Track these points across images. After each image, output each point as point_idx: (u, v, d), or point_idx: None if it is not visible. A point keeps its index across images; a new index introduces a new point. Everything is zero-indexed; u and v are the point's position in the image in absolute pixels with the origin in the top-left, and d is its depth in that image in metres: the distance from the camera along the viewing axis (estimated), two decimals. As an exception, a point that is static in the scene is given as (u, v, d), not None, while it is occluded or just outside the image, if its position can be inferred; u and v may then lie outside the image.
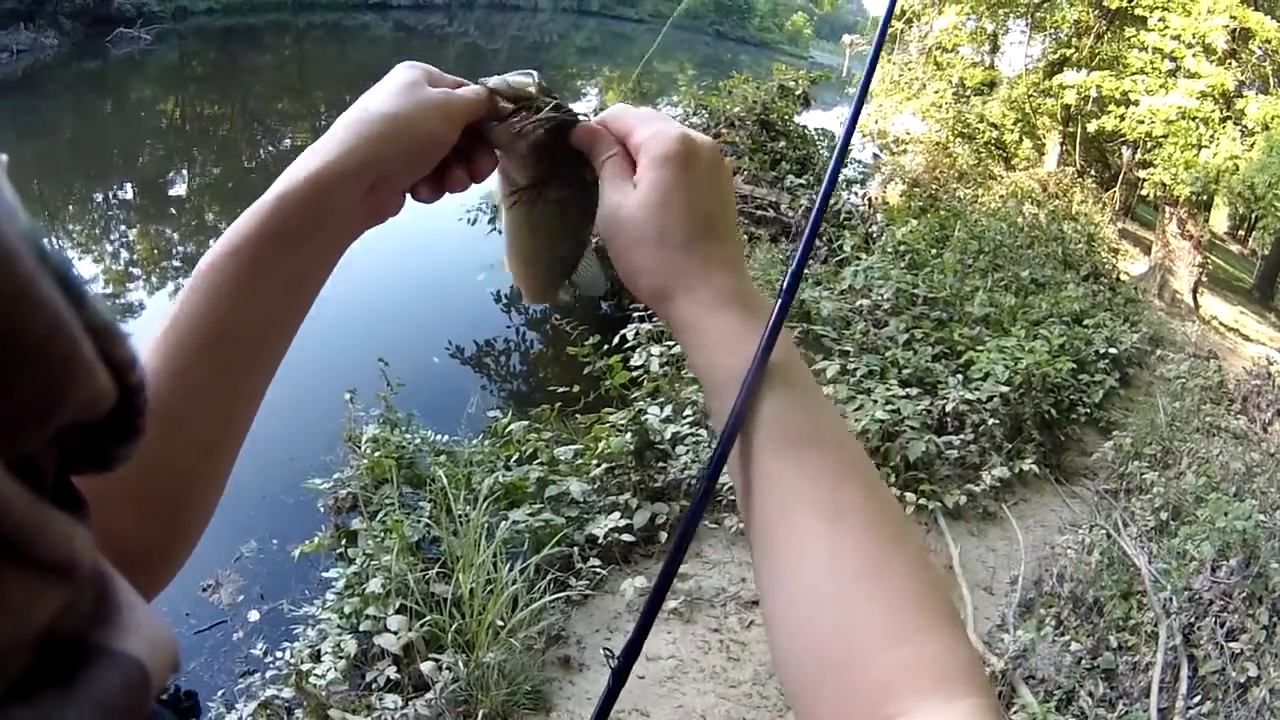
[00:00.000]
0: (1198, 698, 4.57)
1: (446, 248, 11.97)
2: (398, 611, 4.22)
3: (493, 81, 0.74)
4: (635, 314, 7.09)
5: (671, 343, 6.87)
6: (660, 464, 5.71)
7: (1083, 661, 4.76)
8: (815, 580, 0.58)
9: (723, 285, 0.67)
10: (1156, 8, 13.98)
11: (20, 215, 0.27)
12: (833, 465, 0.62)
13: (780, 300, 0.68)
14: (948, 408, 6.73)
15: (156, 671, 0.31)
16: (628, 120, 0.73)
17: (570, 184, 0.76)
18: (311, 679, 3.81)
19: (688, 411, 6.10)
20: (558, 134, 0.73)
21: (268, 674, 4.28)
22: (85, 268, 11.32)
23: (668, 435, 5.78)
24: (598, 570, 4.96)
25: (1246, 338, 14.31)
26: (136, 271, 11.62)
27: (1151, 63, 14.22)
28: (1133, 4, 14.29)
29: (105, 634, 0.30)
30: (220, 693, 4.26)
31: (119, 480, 0.42)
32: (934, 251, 9.87)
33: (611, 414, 6.00)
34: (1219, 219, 20.39)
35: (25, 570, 0.25)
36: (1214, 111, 13.57)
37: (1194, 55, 13.79)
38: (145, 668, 0.30)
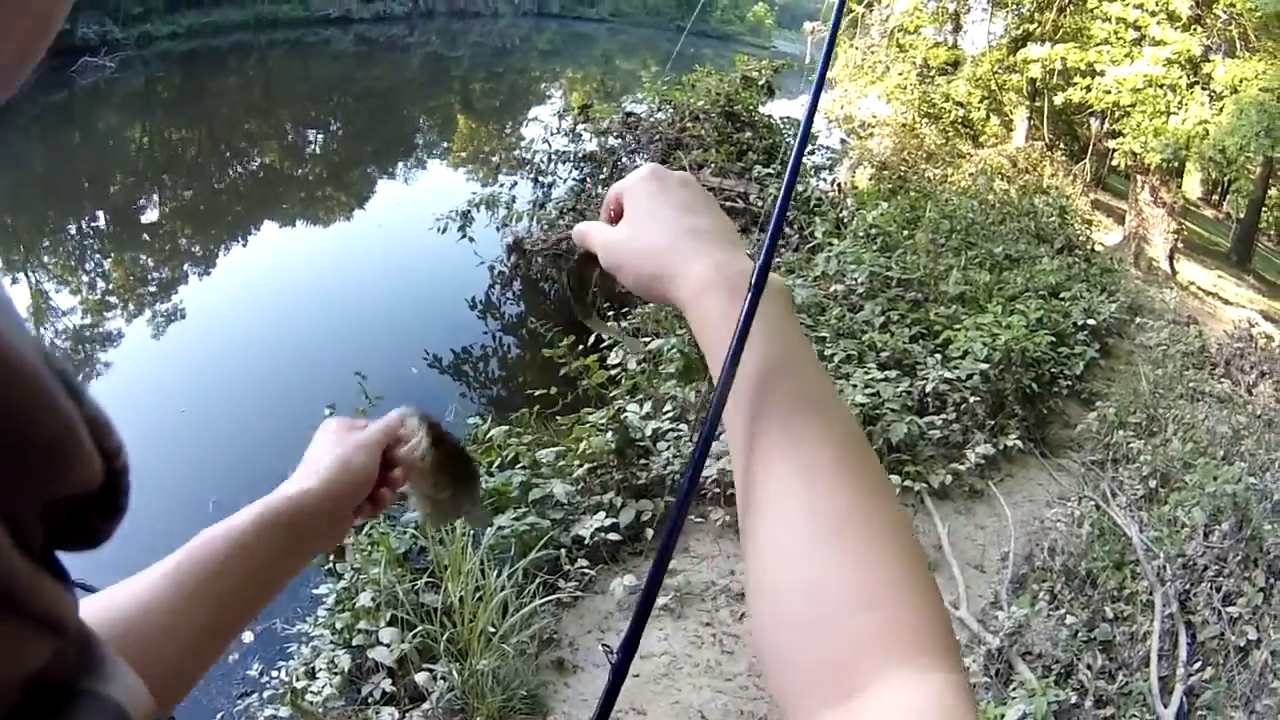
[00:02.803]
0: (1198, 664, 4.55)
1: (418, 258, 11.96)
2: (389, 624, 4.19)
3: (393, 415, 0.99)
4: (610, 314, 7.04)
5: (647, 339, 6.84)
6: (642, 461, 5.67)
7: (1079, 634, 4.73)
8: (790, 540, 0.58)
9: (711, 265, 0.70)
10: None
11: (29, 329, 0.30)
12: (818, 429, 0.62)
13: (750, 294, 0.67)
14: (928, 388, 6.72)
15: (137, 717, 0.34)
16: (619, 187, 0.80)
17: (456, 480, 1.00)
18: (307, 696, 3.76)
19: (667, 407, 6.06)
20: (442, 444, 0.97)
21: (265, 694, 4.23)
22: (63, 299, 11.33)
23: (648, 432, 5.75)
24: (586, 571, 4.93)
25: (1226, 301, 14.38)
26: (113, 300, 11.59)
27: (1115, 32, 14.26)
28: None
29: (90, 680, 0.33)
30: (219, 716, 4.22)
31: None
32: (906, 233, 9.87)
33: (591, 414, 5.96)
34: (1192, 185, 20.50)
35: (22, 622, 0.28)
36: (1181, 78, 13.63)
37: (1158, 23, 13.84)
38: (126, 711, 0.33)
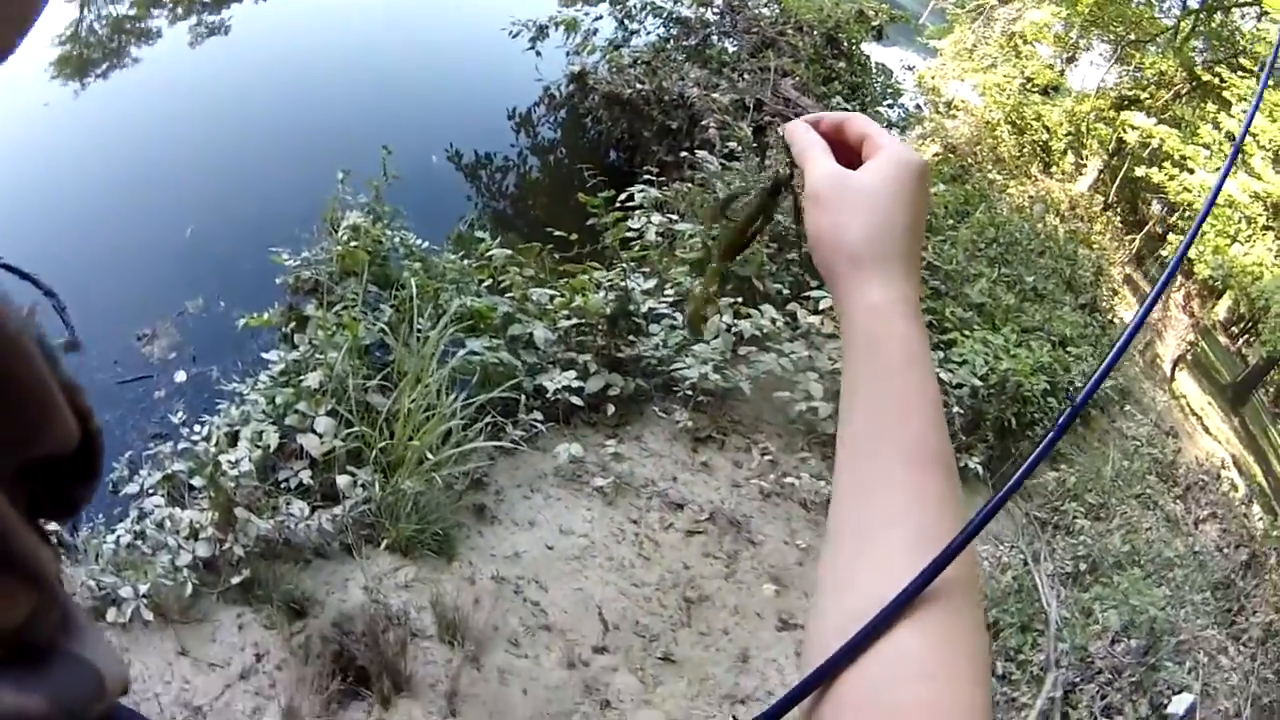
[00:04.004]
0: (1059, 758, 4.58)
1: (478, 52, 11.52)
2: (328, 414, 3.99)
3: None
4: (645, 175, 6.79)
5: (673, 216, 6.60)
6: (630, 336, 5.50)
7: (965, 679, 4.71)
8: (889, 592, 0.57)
9: (913, 288, 0.69)
10: (1243, 99, 14.09)
11: (7, 294, 0.31)
12: (940, 486, 0.63)
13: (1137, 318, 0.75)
14: (919, 380, 6.59)
15: (112, 683, 0.35)
16: (870, 126, 0.76)
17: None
18: (224, 467, 3.56)
19: (669, 290, 5.85)
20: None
21: (180, 446, 4.01)
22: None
23: (645, 308, 5.56)
24: (537, 424, 4.78)
25: (1206, 429, 14.47)
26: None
27: (1219, 143, 14.28)
28: (1222, 86, 14.37)
29: (69, 643, 0.34)
30: (128, 454, 4.04)
31: None
32: (951, 223, 9.68)
33: (596, 269, 5.75)
34: (1220, 307, 20.45)
35: (10, 574, 0.30)
36: (1260, 215, 13.75)
37: (1263, 158, 13.90)
38: (102, 675, 0.34)
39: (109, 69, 9.00)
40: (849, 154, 0.75)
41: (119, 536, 3.43)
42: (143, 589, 3.18)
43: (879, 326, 0.66)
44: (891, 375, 0.65)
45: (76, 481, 0.34)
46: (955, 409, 6.59)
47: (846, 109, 10.43)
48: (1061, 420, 0.69)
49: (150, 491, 3.68)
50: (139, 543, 3.40)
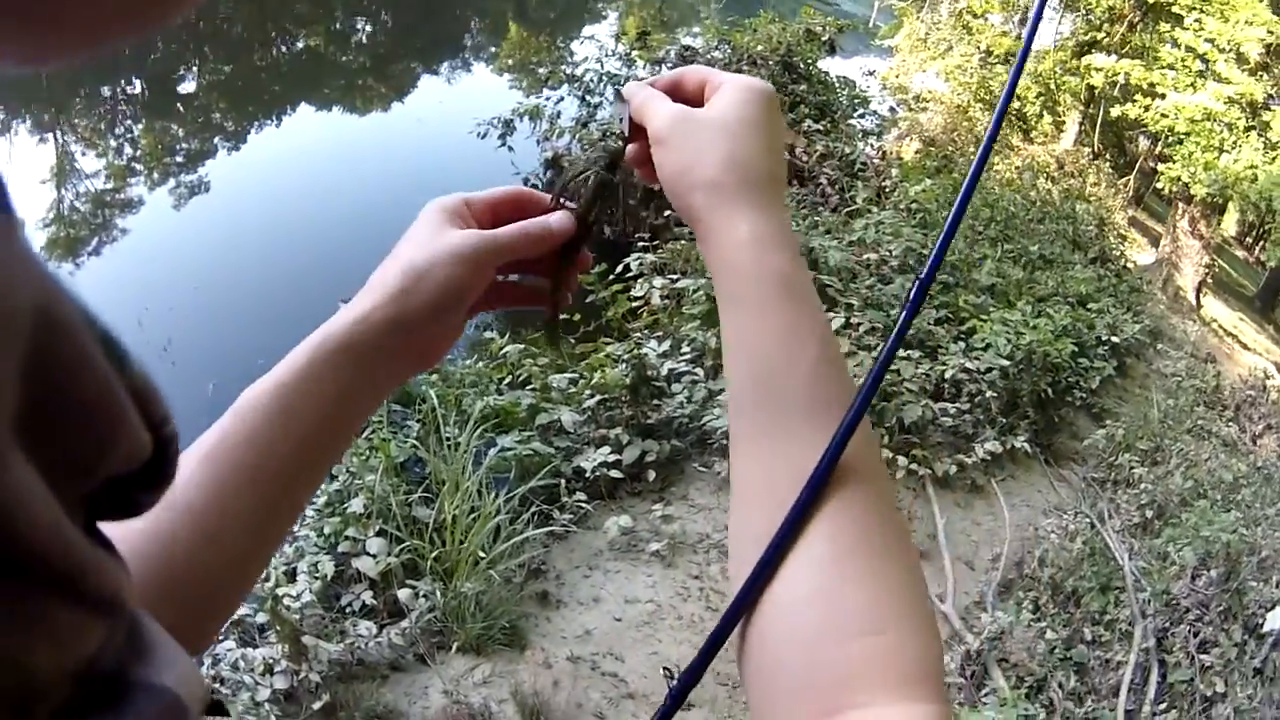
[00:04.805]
0: (1164, 705, 4.55)
1: (453, 160, 11.78)
2: (378, 534, 4.11)
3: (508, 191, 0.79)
4: (639, 243, 6.94)
5: (675, 276, 6.75)
6: (655, 401, 5.61)
7: (1056, 651, 4.72)
8: (813, 551, 0.56)
9: (779, 220, 0.66)
10: (1194, 8, 13.94)
11: (73, 289, 0.27)
12: (853, 445, 0.59)
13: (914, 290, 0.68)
14: (947, 374, 6.64)
15: (191, 705, 0.31)
16: (708, 70, 0.73)
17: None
18: (286, 601, 3.69)
19: (685, 348, 5.99)
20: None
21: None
22: (88, 162, 11.22)
23: (664, 371, 5.68)
24: (583, 504, 4.87)
25: (1244, 345, 14.30)
26: (139, 167, 11.46)
27: (1183, 60, 14.17)
28: (1170, 1, 14.29)
29: (143, 669, 0.30)
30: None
31: (161, 584, 0.58)
32: (945, 213, 9.68)
33: (609, 344, 5.88)
34: (1229, 222, 20.25)
35: (74, 606, 0.26)
36: (1240, 119, 13.57)
37: (1226, 61, 13.77)
38: (182, 700, 0.31)
39: (99, 244, 9.33)
40: (695, 106, 0.72)
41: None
42: (229, 730, 3.29)
43: (753, 261, 0.63)
44: (777, 312, 0.62)
45: (143, 489, 0.32)
46: (989, 393, 6.63)
47: (818, 130, 10.61)
48: (913, 294, 0.67)
49: (220, 638, 3.81)
50: (219, 686, 3.51)
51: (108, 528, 0.31)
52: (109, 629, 0.28)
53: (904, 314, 0.67)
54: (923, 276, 0.68)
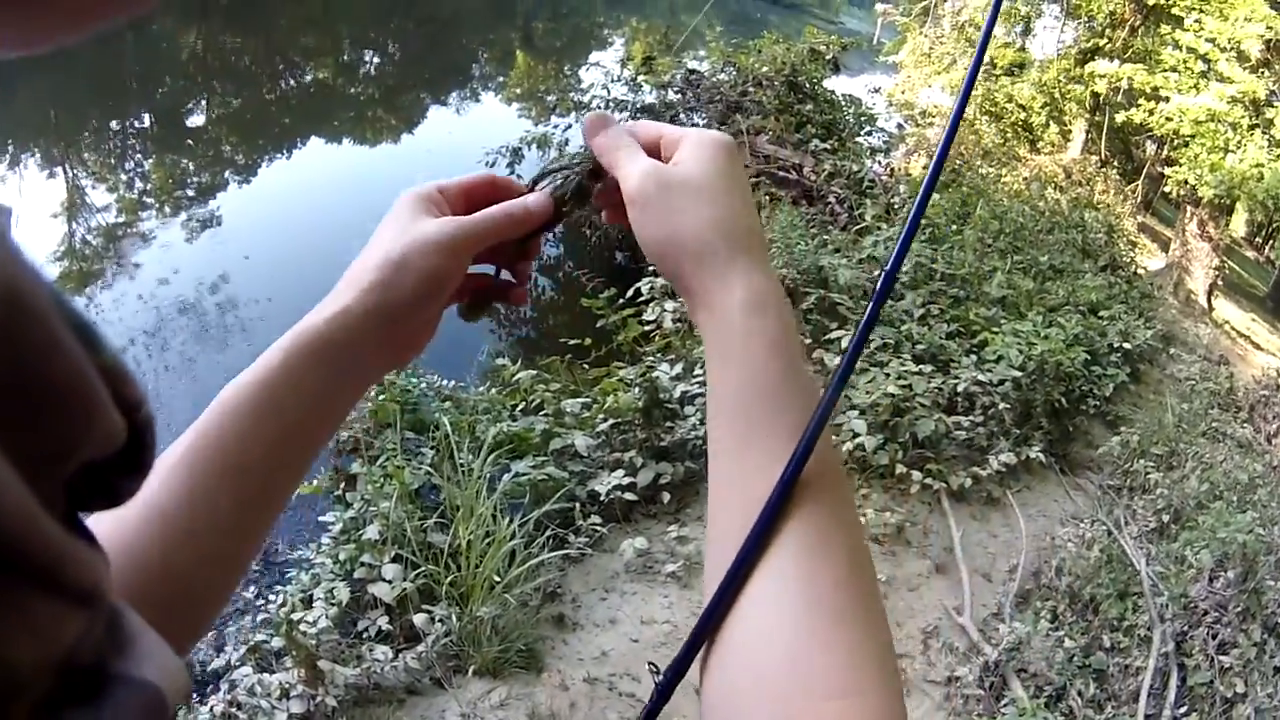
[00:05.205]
0: (1184, 708, 4.56)
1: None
2: (393, 560, 4.16)
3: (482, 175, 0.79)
4: (649, 268, 6.98)
5: (682, 302, 6.79)
6: (668, 423, 5.64)
7: (1075, 659, 4.73)
8: (783, 604, 0.55)
9: (764, 278, 0.66)
10: (1193, 9, 13.98)
11: (40, 270, 0.27)
12: (831, 490, 0.60)
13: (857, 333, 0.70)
14: (959, 387, 6.65)
15: (172, 698, 0.31)
16: (655, 126, 0.73)
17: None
18: (302, 626, 3.74)
19: (698, 370, 6.03)
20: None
21: (258, 617, 4.22)
22: (98, 196, 11.25)
23: (677, 394, 5.72)
24: (598, 528, 4.90)
25: (1258, 346, 14.23)
26: (150, 200, 11.49)
27: (1184, 62, 14.17)
28: (1169, 2, 14.34)
29: (123, 662, 0.30)
30: (210, 633, 4.23)
31: (140, 585, 0.58)
32: (954, 228, 9.74)
33: (621, 369, 5.93)
34: (1238, 223, 20.19)
35: (53, 597, 0.26)
36: (1243, 117, 13.58)
37: (1227, 60, 13.76)
38: (163, 693, 0.31)
39: (113, 277, 9.33)
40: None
41: (212, 707, 3.56)
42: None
43: (744, 323, 0.63)
44: (765, 372, 0.62)
45: (120, 475, 0.31)
46: (1002, 405, 6.64)
47: (826, 148, 10.65)
48: (879, 287, 0.70)
49: (237, 664, 3.85)
50: (235, 710, 3.55)
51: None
52: (88, 620, 0.28)
53: (871, 305, 0.69)
54: (888, 269, 0.70)
